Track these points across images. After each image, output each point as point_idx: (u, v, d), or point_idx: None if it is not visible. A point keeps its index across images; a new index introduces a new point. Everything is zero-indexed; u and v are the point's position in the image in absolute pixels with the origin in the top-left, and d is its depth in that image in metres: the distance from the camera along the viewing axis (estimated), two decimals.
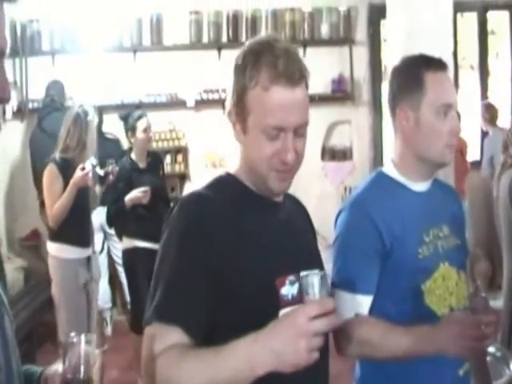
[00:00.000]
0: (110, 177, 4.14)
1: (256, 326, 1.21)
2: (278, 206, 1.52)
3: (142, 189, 4.28)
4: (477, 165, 6.42)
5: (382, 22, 6.10)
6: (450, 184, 2.56)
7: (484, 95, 6.74)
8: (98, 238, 4.81)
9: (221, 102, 5.66)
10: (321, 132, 6.25)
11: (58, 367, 1.34)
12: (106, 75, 5.75)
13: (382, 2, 4.14)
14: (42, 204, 4.39)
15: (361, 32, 6.39)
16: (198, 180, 5.96)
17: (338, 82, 6.29)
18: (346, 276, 1.73)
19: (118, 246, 4.87)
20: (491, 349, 1.92)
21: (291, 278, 1.40)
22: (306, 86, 1.43)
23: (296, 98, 1.39)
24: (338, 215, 1.83)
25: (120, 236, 4.63)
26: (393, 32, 3.89)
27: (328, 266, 1.63)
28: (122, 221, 4.44)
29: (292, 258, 1.45)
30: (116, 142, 5.63)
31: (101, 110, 5.43)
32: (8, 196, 5.94)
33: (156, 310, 1.33)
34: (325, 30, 6.28)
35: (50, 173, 3.87)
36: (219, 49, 6.05)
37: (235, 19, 6.13)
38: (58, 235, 3.91)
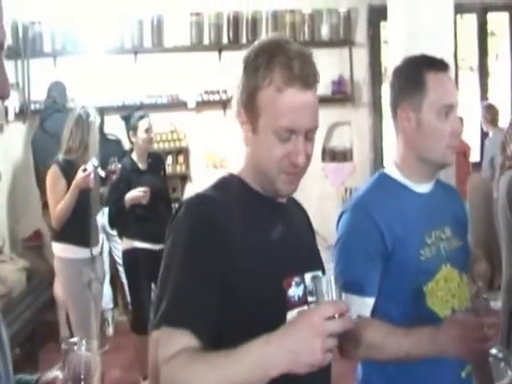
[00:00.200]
0: (113, 176, 4.15)
1: (264, 328, 1.20)
2: (282, 207, 1.51)
3: (142, 188, 4.27)
4: (477, 166, 6.43)
5: (382, 24, 6.13)
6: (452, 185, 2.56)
7: (483, 97, 6.74)
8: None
9: (221, 103, 5.62)
10: (321, 133, 6.24)
11: (57, 373, 1.29)
12: (108, 77, 5.76)
13: (382, 3, 4.15)
14: (45, 205, 4.41)
15: (361, 33, 6.41)
16: (199, 181, 5.98)
17: (338, 84, 6.30)
18: (348, 278, 1.72)
19: (120, 247, 4.87)
20: (493, 350, 1.92)
21: (297, 279, 1.41)
22: (316, 91, 1.42)
23: (309, 102, 1.39)
24: (340, 217, 1.82)
25: (121, 237, 4.64)
26: (393, 33, 3.89)
27: (328, 266, 1.63)
28: (123, 221, 4.44)
29: (295, 259, 1.45)
30: (117, 142, 5.66)
31: (102, 112, 5.46)
32: (10, 197, 5.95)
33: (165, 313, 1.29)
34: (325, 32, 6.30)
35: (53, 174, 3.89)
36: (220, 50, 6.06)
37: (236, 21, 6.14)
38: (62, 235, 3.93)
